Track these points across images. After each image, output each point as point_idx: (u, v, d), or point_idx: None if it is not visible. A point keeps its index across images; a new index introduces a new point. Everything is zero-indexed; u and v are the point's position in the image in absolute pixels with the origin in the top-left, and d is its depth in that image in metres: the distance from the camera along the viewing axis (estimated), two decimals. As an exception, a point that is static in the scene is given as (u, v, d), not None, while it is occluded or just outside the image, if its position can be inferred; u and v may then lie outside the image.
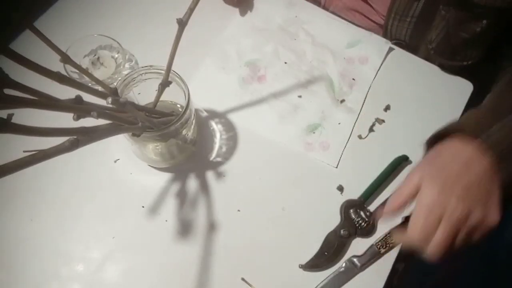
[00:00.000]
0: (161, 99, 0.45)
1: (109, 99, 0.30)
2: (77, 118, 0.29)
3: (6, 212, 0.49)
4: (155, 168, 0.52)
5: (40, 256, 0.47)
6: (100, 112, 0.30)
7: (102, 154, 0.52)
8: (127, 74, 0.44)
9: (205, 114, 0.56)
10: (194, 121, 0.48)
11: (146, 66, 0.43)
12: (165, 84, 0.43)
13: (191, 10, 0.38)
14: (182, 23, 0.38)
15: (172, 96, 0.45)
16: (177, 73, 0.43)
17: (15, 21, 0.29)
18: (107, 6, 0.63)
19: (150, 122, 0.40)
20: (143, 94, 0.49)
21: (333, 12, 0.66)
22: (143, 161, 0.51)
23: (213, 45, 0.61)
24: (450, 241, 0.37)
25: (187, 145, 0.51)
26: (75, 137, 0.28)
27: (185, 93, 0.43)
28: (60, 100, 0.29)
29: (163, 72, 0.42)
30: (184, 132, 0.46)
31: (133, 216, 0.50)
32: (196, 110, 0.56)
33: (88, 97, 0.33)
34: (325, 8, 0.66)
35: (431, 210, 0.37)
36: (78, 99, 0.30)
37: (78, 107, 0.29)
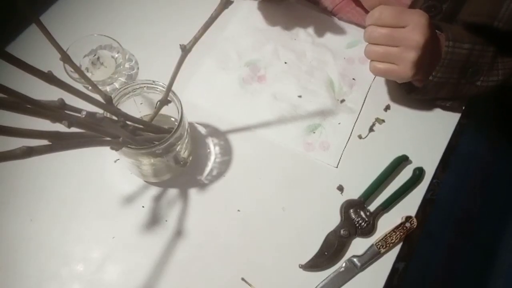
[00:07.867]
0: (161, 113, 0.45)
1: (83, 113, 0.28)
2: (54, 122, 0.28)
3: (6, 212, 0.49)
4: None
5: (40, 256, 0.47)
6: (73, 121, 0.28)
7: (102, 153, 0.52)
8: (127, 84, 0.43)
9: (204, 114, 0.56)
10: (187, 140, 0.47)
11: (148, 81, 0.43)
12: (163, 102, 0.42)
13: (195, 39, 0.36)
14: (185, 50, 0.37)
15: (173, 111, 0.44)
16: (175, 93, 0.42)
17: (21, 15, 0.28)
18: (107, 6, 0.64)
19: (132, 139, 0.38)
20: (145, 104, 0.49)
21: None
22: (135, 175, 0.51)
23: (213, 45, 0.61)
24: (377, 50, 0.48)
25: (177, 166, 0.50)
26: (30, 146, 0.25)
27: (178, 111, 0.42)
28: (39, 101, 0.27)
29: (163, 90, 0.42)
30: (178, 148, 0.45)
31: (133, 216, 0.50)
32: (196, 109, 0.56)
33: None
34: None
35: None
36: (61, 102, 0.29)
37: (49, 113, 0.27)
